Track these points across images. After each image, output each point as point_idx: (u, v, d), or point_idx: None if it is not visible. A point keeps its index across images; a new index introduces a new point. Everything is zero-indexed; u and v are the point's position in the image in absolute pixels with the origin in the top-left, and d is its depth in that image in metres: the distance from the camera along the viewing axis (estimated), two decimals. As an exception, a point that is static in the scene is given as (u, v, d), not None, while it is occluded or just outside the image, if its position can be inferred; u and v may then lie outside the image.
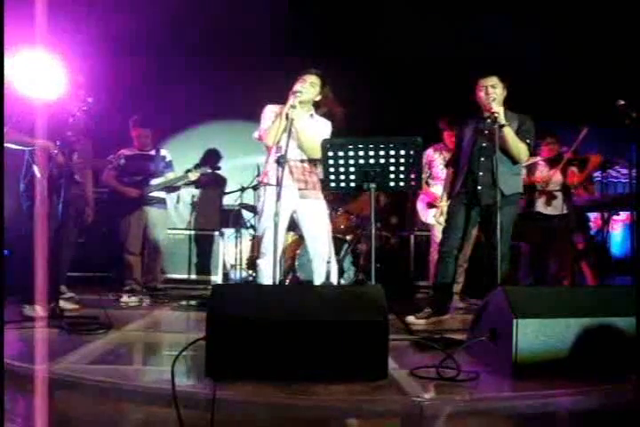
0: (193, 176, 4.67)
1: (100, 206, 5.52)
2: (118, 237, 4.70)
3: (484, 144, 3.47)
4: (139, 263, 4.65)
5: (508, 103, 3.50)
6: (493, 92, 3.41)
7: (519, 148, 3.39)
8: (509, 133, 3.34)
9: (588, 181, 4.84)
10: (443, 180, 4.47)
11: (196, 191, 6.21)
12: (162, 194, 4.78)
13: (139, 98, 5.90)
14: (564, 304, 2.30)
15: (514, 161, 3.47)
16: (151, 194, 4.67)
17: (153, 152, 4.78)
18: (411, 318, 3.52)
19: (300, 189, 3.43)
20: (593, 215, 5.22)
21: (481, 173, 3.47)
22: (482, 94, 3.46)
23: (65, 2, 4.98)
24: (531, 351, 2.18)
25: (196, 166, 4.86)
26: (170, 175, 4.77)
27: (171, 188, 4.83)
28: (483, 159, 3.46)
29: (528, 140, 3.44)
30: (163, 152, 4.84)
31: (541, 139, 4.67)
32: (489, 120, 3.36)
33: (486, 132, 3.45)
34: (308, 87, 3.41)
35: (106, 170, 4.68)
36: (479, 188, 3.47)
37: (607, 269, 5.05)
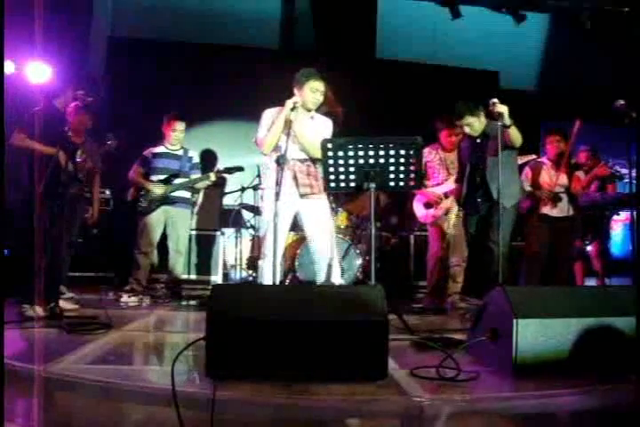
0: (214, 177, 4.65)
1: (104, 207, 5.54)
2: (128, 237, 4.68)
3: (480, 166, 3.69)
4: (148, 265, 4.62)
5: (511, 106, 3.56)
6: (470, 131, 3.74)
7: (518, 137, 3.56)
8: (514, 132, 3.48)
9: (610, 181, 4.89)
10: (439, 180, 4.49)
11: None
12: (186, 194, 4.76)
13: (139, 98, 5.91)
14: (564, 304, 2.30)
15: (512, 148, 3.64)
16: (174, 194, 4.63)
17: (180, 152, 4.77)
18: None
19: (304, 194, 3.42)
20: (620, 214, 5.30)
21: (481, 190, 3.73)
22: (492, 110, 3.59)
23: (66, 2, 4.99)
24: (531, 351, 2.17)
25: (219, 169, 4.85)
26: (193, 176, 4.74)
27: (194, 189, 4.80)
28: (478, 179, 3.71)
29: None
30: (190, 153, 4.82)
31: (547, 136, 4.70)
32: (478, 140, 3.68)
33: (479, 153, 3.70)
34: (319, 97, 3.41)
35: (133, 166, 4.68)
36: (479, 200, 3.73)
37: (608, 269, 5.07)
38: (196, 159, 4.86)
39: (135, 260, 4.57)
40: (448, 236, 4.42)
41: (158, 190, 4.56)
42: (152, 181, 4.61)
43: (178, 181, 4.66)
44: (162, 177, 4.63)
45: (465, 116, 3.69)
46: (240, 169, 4.90)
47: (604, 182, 4.95)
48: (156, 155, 4.67)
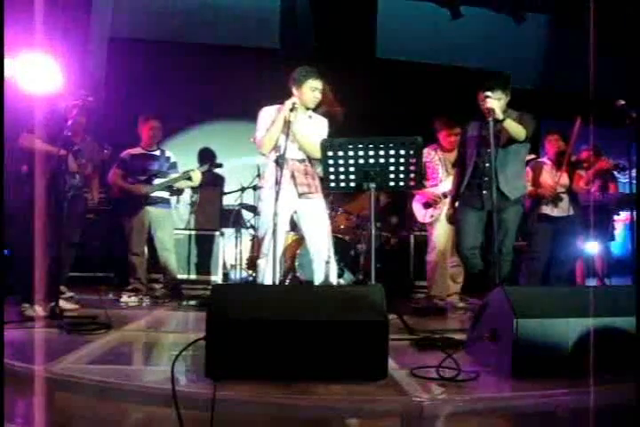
0: (195, 175, 4.64)
1: (104, 207, 5.55)
2: (121, 238, 4.70)
3: (488, 150, 3.39)
4: (142, 264, 4.62)
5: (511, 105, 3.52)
6: (496, 106, 3.32)
7: (519, 131, 3.41)
8: (510, 125, 3.36)
9: (610, 179, 4.88)
10: (438, 180, 4.49)
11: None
12: (165, 194, 4.75)
13: (139, 98, 5.91)
14: (564, 304, 2.30)
15: (514, 142, 3.46)
16: (154, 194, 4.63)
17: (157, 152, 4.77)
18: None
19: (302, 193, 3.42)
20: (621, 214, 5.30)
21: (486, 179, 3.46)
22: (484, 105, 3.43)
23: (66, 1, 4.99)
24: (531, 351, 2.17)
25: (199, 166, 4.86)
26: (172, 176, 4.73)
27: (174, 190, 4.79)
28: (488, 164, 3.42)
29: (524, 123, 3.45)
30: (167, 153, 4.82)
31: (546, 135, 4.70)
32: (491, 123, 3.31)
33: (490, 138, 3.37)
34: (319, 96, 3.41)
35: (112, 169, 4.67)
36: (484, 193, 3.48)
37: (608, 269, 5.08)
38: (174, 159, 4.84)
39: (130, 262, 4.56)
40: (446, 235, 4.42)
41: (141, 190, 4.55)
42: (132, 183, 4.61)
43: (157, 181, 4.65)
44: (141, 178, 4.62)
45: (498, 91, 3.42)
46: (219, 165, 4.91)
47: (605, 181, 4.95)
48: (133, 156, 4.66)
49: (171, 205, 4.88)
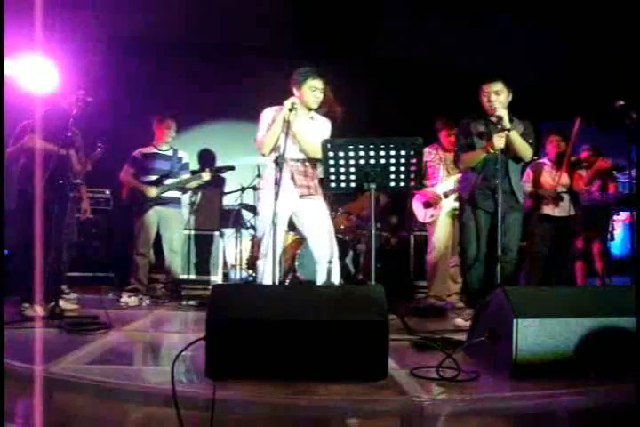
0: (206, 176, 4.64)
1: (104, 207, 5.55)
2: (127, 237, 4.69)
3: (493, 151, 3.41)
4: (146, 265, 4.61)
5: (511, 107, 3.51)
6: (497, 99, 3.40)
7: (526, 148, 3.44)
8: (516, 137, 3.37)
9: (610, 179, 4.89)
10: (438, 180, 4.48)
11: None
12: (177, 194, 4.75)
13: (139, 98, 5.91)
14: (564, 304, 2.30)
15: (519, 160, 3.51)
16: (165, 194, 4.62)
17: (170, 152, 4.76)
18: (459, 321, 3.50)
19: (302, 195, 3.42)
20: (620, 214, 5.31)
21: (497, 181, 3.36)
22: (485, 100, 3.46)
23: (66, 2, 4.99)
24: (531, 351, 2.17)
25: (210, 167, 4.84)
26: (184, 176, 4.73)
27: (184, 189, 4.79)
28: (497, 166, 3.37)
29: (530, 141, 3.48)
30: (180, 153, 4.81)
31: (547, 136, 4.71)
32: (498, 125, 3.34)
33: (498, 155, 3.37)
34: (319, 95, 3.39)
35: (124, 167, 4.67)
36: (496, 195, 3.35)
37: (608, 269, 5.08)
38: (186, 159, 4.84)
39: (133, 261, 4.56)
40: (447, 235, 4.42)
41: (151, 192, 4.54)
42: (143, 182, 4.60)
43: (169, 181, 4.65)
44: (152, 178, 4.62)
45: (499, 82, 3.44)
46: (231, 168, 4.86)
47: (605, 181, 4.96)
48: (146, 155, 4.65)
49: (181, 205, 4.88)
